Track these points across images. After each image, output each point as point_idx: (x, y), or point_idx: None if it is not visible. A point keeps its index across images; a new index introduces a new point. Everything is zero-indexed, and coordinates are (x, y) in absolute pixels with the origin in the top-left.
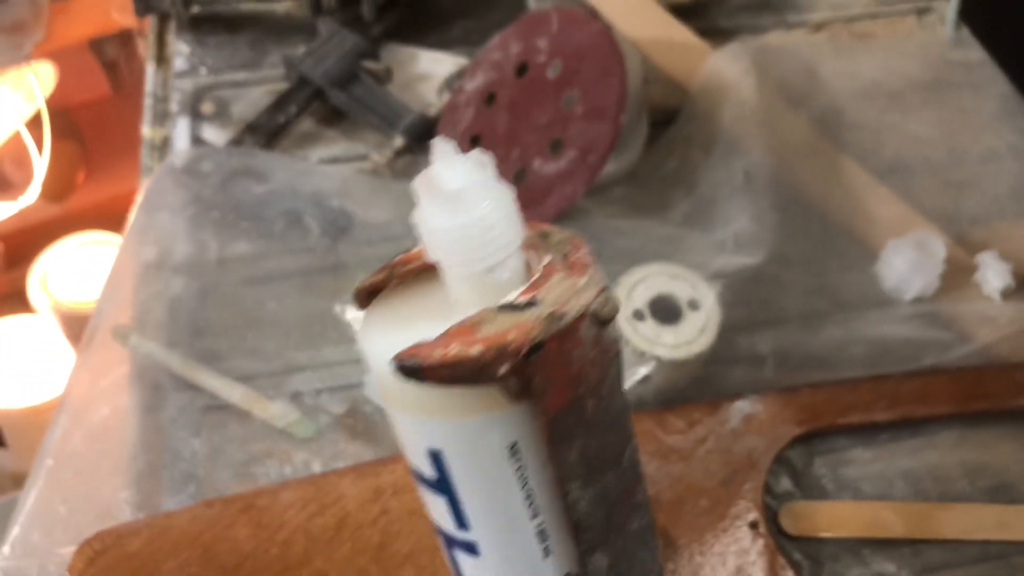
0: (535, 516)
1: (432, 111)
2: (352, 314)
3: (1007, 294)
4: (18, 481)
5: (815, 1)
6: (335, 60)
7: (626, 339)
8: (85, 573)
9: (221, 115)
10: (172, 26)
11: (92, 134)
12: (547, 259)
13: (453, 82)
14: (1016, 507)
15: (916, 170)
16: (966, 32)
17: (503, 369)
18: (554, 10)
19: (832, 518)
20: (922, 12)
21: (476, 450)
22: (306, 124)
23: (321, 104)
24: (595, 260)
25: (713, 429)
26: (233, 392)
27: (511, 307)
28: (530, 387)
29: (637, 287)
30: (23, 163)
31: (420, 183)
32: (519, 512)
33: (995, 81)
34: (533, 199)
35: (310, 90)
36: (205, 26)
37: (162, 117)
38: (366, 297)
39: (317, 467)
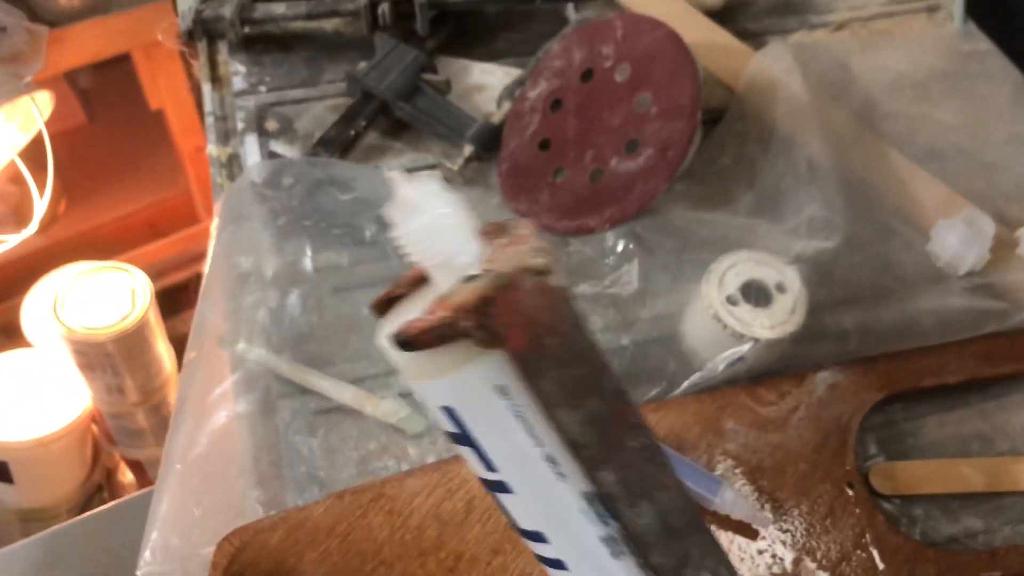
0: (540, 445)
1: (495, 119)
2: None
3: None
4: (24, 517)
5: (834, 2)
6: (397, 74)
7: (724, 323)
8: (228, 570)
9: (286, 131)
10: (221, 47)
11: (71, 164)
12: (503, 241)
13: (513, 91)
14: None
15: (949, 155)
16: (972, 26)
17: (467, 324)
18: (618, 17)
19: (918, 476)
20: (932, 9)
21: (474, 398)
22: (371, 137)
23: (384, 117)
24: (536, 231)
25: (802, 399)
26: (344, 392)
27: (471, 278)
28: (494, 335)
29: (727, 273)
30: (5, 197)
31: (387, 208)
32: (525, 444)
33: (1006, 69)
34: (614, 196)
35: (375, 104)
36: (258, 46)
37: (225, 136)
38: (383, 307)
39: (432, 459)
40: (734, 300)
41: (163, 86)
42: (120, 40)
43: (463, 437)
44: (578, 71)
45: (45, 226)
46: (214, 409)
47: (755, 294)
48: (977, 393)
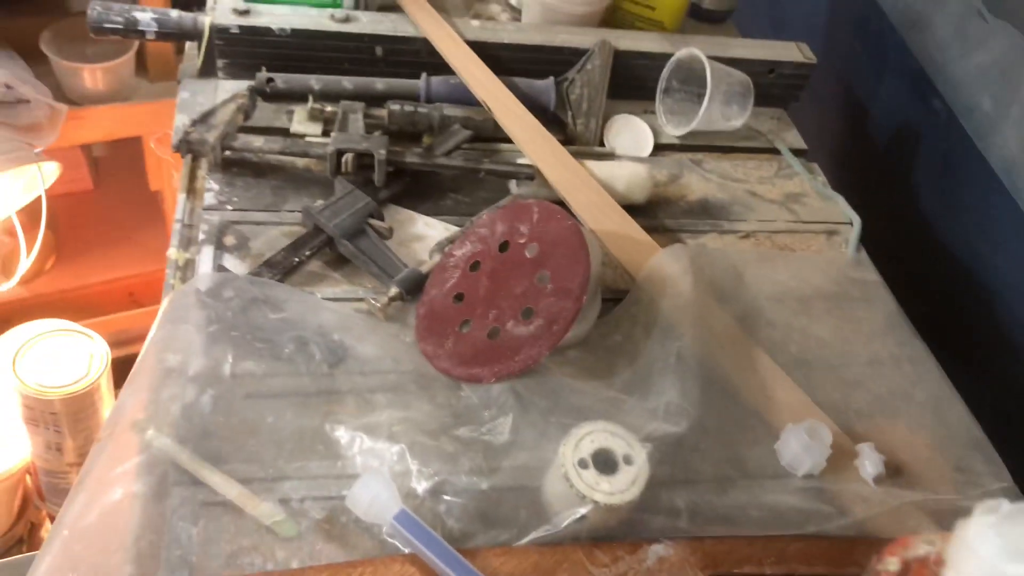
0: None
1: (424, 268)
2: (340, 433)
3: (879, 480)
4: None
5: (745, 213)
6: (347, 215)
7: (571, 483)
8: None
9: (241, 248)
10: (203, 163)
11: (67, 224)
12: None
13: (444, 246)
14: None
15: (815, 366)
16: (864, 255)
17: None
18: (536, 203)
19: None
20: (831, 234)
21: None
22: (314, 265)
23: (329, 250)
24: None
25: (632, 566)
26: (231, 489)
27: None
28: None
29: (584, 439)
30: None
31: (992, 521)
32: None
33: (884, 299)
34: (504, 355)
35: (323, 238)
36: (234, 168)
37: (187, 242)
38: None
39: (295, 564)
40: (585, 464)
41: (164, 172)
42: (132, 126)
43: None
44: (497, 241)
45: (29, 279)
46: (112, 486)
47: (604, 462)
48: None
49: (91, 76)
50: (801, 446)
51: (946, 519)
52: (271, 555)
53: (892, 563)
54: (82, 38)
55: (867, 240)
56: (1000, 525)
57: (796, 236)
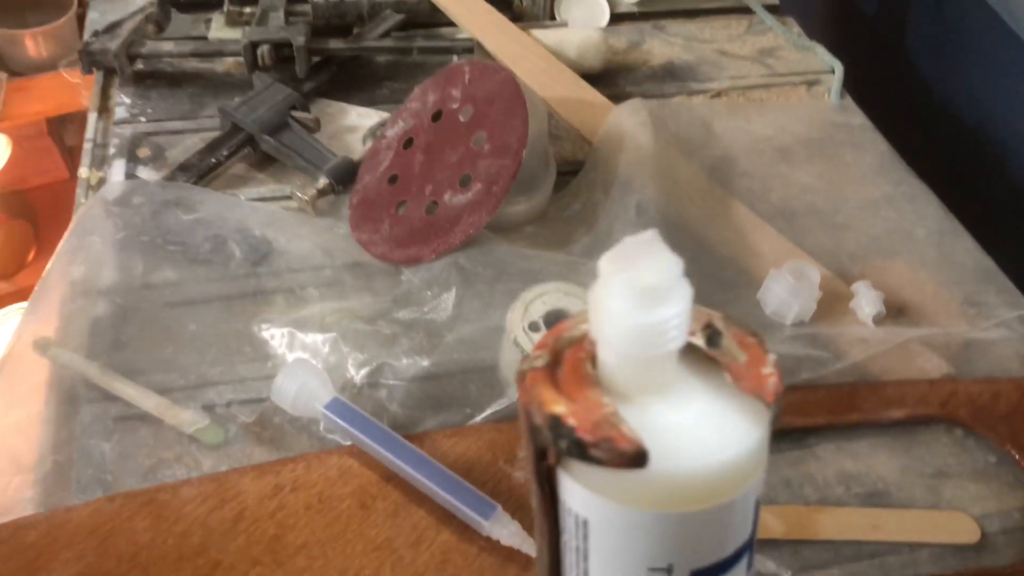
0: None
1: (356, 156)
2: (269, 332)
3: (878, 320)
4: None
5: (715, 72)
6: (267, 109)
7: (521, 348)
8: None
9: (157, 158)
10: (116, 80)
11: (46, 215)
12: None
13: (376, 131)
14: (887, 510)
15: (801, 213)
16: (850, 100)
17: None
18: (467, 63)
19: None
20: (811, 84)
21: None
22: (238, 168)
23: (253, 151)
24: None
25: None
26: (147, 400)
27: None
28: None
29: (534, 302)
30: None
31: (613, 268)
32: None
33: (874, 141)
34: (443, 229)
35: (242, 136)
36: (148, 81)
37: (100, 161)
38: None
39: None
40: (536, 327)
41: None
42: (74, 72)
43: None
44: (430, 112)
45: (9, 272)
46: (10, 408)
47: (558, 323)
48: (788, 441)
49: (33, 41)
50: (786, 290)
51: (958, 354)
52: (196, 464)
53: (539, 358)
54: (20, 8)
55: (852, 88)
56: (625, 269)
57: (773, 90)
